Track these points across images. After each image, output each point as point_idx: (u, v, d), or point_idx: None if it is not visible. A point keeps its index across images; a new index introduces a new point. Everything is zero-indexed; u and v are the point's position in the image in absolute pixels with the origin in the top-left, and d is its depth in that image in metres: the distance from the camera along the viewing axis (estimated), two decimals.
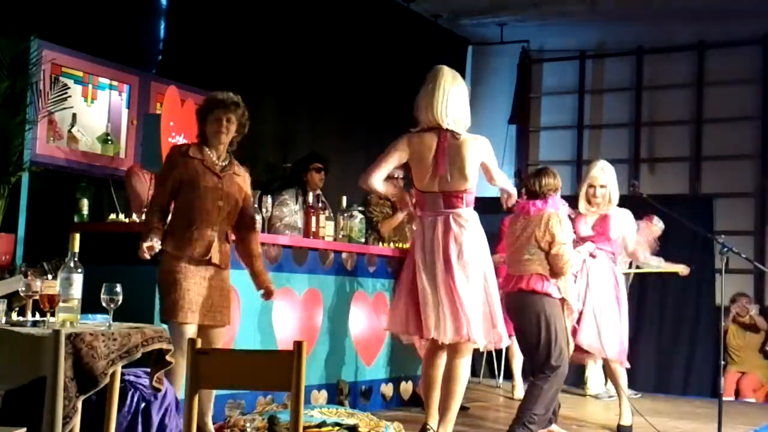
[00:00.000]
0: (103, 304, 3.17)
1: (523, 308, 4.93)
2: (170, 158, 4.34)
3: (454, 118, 4.54)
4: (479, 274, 4.55)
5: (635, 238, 6.02)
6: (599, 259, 5.59)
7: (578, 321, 5.47)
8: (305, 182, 6.34)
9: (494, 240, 5.59)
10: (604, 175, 5.64)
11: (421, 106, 4.59)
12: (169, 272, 4.21)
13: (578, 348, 5.50)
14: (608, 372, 5.76)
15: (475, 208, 4.72)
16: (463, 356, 4.59)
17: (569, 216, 5.25)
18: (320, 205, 5.76)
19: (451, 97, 4.54)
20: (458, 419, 4.69)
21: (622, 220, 5.74)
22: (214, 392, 4.47)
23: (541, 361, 4.93)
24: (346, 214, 5.97)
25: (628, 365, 5.65)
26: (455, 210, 4.57)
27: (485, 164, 4.65)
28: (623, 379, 5.65)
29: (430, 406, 4.66)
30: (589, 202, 5.65)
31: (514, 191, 4.84)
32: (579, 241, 5.47)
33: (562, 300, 4.97)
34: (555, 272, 4.91)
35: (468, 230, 4.55)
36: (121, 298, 3.17)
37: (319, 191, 6.29)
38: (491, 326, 4.57)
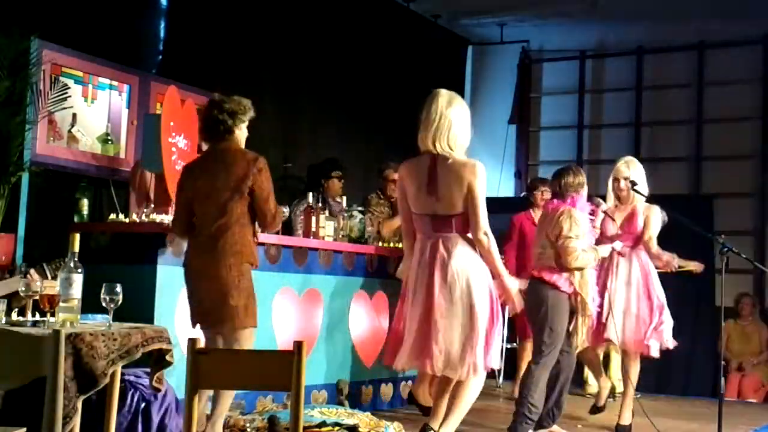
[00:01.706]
0: (103, 304, 3.17)
1: (530, 293, 5.07)
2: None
3: (448, 142, 4.40)
4: (463, 302, 4.35)
5: (654, 235, 5.74)
6: (628, 257, 5.62)
7: (603, 318, 5.49)
8: (324, 188, 6.40)
9: (501, 239, 5.60)
10: (628, 168, 5.67)
11: (419, 131, 4.48)
12: (250, 280, 4.27)
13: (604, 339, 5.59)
14: (622, 367, 5.79)
15: None
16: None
17: (603, 212, 5.44)
18: (337, 209, 5.80)
19: (444, 121, 4.39)
20: None
21: (649, 215, 5.64)
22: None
23: (535, 346, 5.12)
24: (346, 214, 5.97)
25: (650, 354, 5.67)
26: (444, 234, 4.41)
27: (470, 186, 4.34)
28: (635, 377, 5.69)
29: (437, 409, 4.62)
30: (618, 197, 5.68)
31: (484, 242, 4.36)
32: (606, 240, 5.50)
33: (576, 296, 5.02)
34: (560, 265, 5.00)
35: (456, 256, 4.37)
36: (121, 298, 3.17)
37: (338, 197, 6.37)
38: (469, 354, 4.33)
